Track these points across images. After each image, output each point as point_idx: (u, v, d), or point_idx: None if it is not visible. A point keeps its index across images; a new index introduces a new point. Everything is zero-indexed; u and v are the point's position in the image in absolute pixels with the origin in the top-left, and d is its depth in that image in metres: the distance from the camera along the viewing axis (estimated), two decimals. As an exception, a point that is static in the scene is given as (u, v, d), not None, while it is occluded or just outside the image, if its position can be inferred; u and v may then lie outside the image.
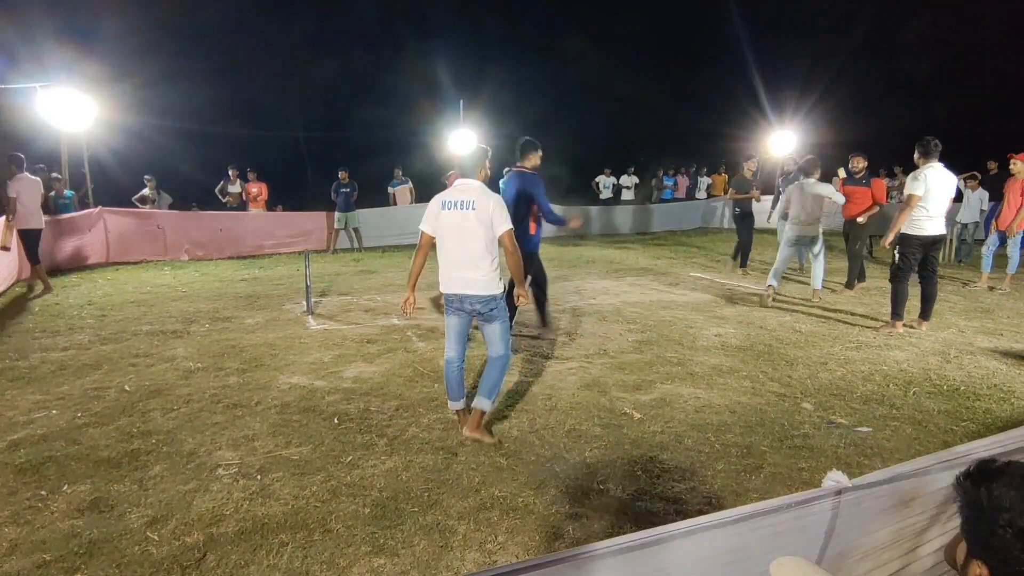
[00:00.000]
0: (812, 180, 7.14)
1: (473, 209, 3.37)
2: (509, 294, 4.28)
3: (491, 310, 3.47)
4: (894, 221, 5.72)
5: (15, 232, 7.60)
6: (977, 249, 9.60)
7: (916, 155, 5.72)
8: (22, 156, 7.72)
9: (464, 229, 3.39)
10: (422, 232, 3.55)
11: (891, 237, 5.75)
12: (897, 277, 5.79)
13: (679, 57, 29.19)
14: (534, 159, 5.24)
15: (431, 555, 2.52)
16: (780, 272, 7.24)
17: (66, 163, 11.15)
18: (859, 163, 7.74)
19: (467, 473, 3.18)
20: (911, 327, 5.95)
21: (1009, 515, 1.02)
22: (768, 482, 3.09)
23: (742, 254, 9.41)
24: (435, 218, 3.48)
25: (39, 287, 7.85)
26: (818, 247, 7.25)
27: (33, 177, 7.82)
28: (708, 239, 14.19)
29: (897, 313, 5.87)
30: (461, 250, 3.41)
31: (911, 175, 5.65)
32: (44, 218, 8.01)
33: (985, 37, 23.47)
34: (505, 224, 3.42)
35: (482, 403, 3.51)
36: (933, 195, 5.54)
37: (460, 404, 3.66)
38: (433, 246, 3.59)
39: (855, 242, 7.87)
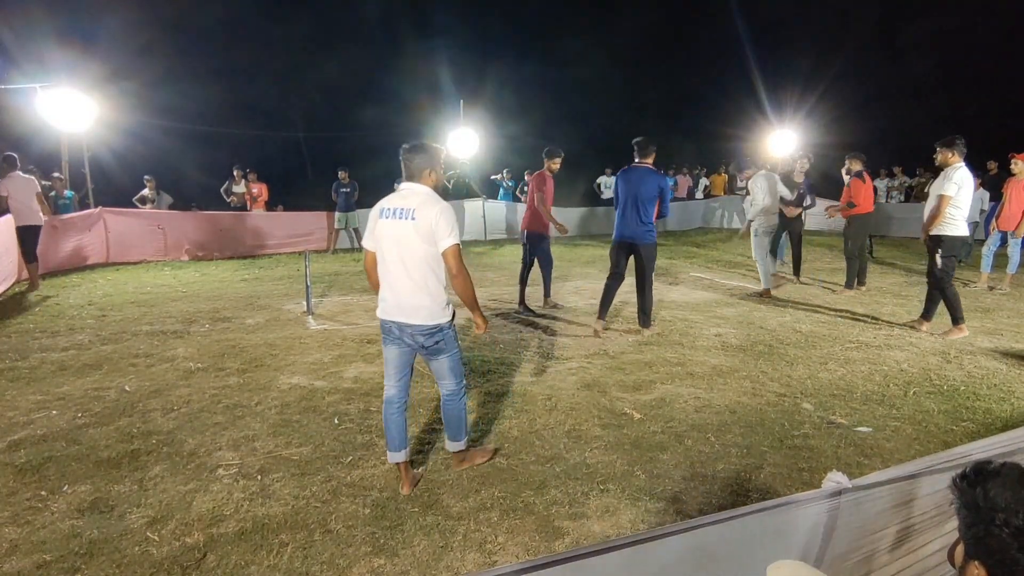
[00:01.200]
0: (775, 174, 7.93)
1: (412, 219, 2.78)
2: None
3: (436, 343, 2.91)
4: (928, 222, 5.55)
5: (14, 229, 7.71)
6: (977, 249, 9.60)
7: (946, 154, 5.54)
8: (15, 156, 7.87)
9: (402, 244, 2.82)
10: (365, 251, 3.00)
11: (924, 237, 5.63)
12: (944, 281, 5.60)
13: (679, 57, 29.21)
14: (654, 154, 5.61)
15: (431, 555, 2.52)
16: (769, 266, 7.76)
17: (66, 163, 11.17)
18: (852, 165, 7.91)
19: (467, 473, 3.18)
20: (912, 327, 5.94)
21: (1005, 515, 1.03)
22: (768, 482, 3.09)
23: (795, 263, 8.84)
24: (374, 229, 2.92)
25: (41, 287, 7.93)
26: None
27: (27, 176, 7.93)
28: (708, 239, 14.19)
29: (959, 317, 5.68)
30: (400, 269, 2.85)
31: (943, 175, 5.52)
32: (44, 218, 8.04)
33: (986, 37, 23.48)
34: (450, 238, 2.81)
35: (456, 446, 3.16)
36: (965, 195, 5.47)
37: (401, 456, 3.03)
38: None
39: (847, 242, 7.88)
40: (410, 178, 2.91)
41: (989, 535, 1.05)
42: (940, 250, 5.56)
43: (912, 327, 5.95)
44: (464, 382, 3.13)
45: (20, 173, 7.82)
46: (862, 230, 7.93)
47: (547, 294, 7.00)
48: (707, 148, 21.31)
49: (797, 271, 8.69)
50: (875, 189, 8.97)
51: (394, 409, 3.03)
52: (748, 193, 7.73)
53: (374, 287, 3.01)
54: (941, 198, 5.46)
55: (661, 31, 29.65)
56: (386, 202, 2.91)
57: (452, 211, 2.86)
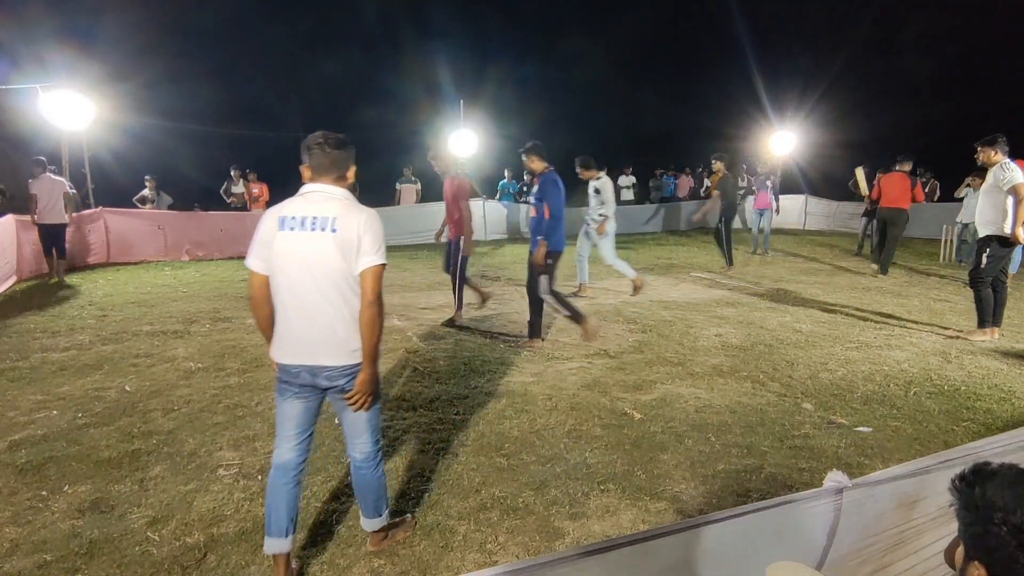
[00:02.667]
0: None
1: (333, 231, 2.16)
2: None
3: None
4: (1016, 216, 5.18)
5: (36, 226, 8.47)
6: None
7: (989, 153, 5.36)
8: (44, 159, 8.61)
9: (314, 263, 2.17)
10: (251, 272, 2.25)
11: (1020, 230, 5.21)
12: (983, 281, 5.49)
13: (680, 57, 29.26)
14: None
15: (431, 555, 2.52)
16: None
17: (67, 163, 11.18)
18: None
19: (467, 473, 3.18)
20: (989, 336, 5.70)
21: (1003, 513, 1.04)
22: (769, 482, 3.09)
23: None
24: (269, 244, 2.21)
25: (55, 279, 8.54)
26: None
27: (56, 177, 8.66)
28: (708, 239, 14.17)
29: (985, 320, 5.59)
30: (315, 295, 2.19)
31: (998, 171, 5.27)
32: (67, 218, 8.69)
33: (987, 37, 23.48)
34: (376, 255, 2.21)
35: (374, 523, 2.48)
36: None
37: (283, 545, 2.26)
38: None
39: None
40: (322, 176, 2.25)
41: (988, 534, 1.06)
42: (988, 249, 5.43)
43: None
44: (381, 442, 2.50)
45: (50, 174, 8.51)
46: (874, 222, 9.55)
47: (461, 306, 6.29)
48: (707, 148, 21.31)
49: (730, 260, 9.67)
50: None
51: (289, 478, 2.30)
52: (598, 192, 7.62)
53: (263, 324, 2.31)
54: (1016, 187, 5.13)
55: (661, 31, 29.69)
56: (288, 209, 2.22)
57: (380, 221, 2.26)
